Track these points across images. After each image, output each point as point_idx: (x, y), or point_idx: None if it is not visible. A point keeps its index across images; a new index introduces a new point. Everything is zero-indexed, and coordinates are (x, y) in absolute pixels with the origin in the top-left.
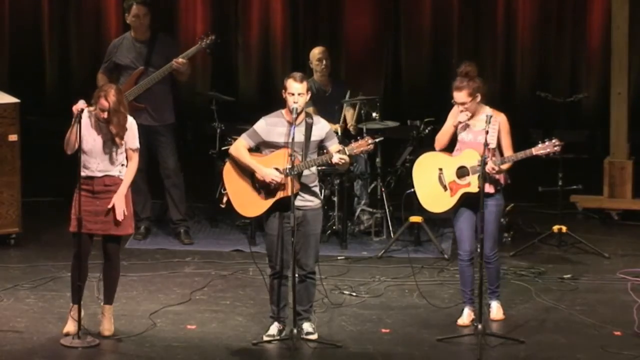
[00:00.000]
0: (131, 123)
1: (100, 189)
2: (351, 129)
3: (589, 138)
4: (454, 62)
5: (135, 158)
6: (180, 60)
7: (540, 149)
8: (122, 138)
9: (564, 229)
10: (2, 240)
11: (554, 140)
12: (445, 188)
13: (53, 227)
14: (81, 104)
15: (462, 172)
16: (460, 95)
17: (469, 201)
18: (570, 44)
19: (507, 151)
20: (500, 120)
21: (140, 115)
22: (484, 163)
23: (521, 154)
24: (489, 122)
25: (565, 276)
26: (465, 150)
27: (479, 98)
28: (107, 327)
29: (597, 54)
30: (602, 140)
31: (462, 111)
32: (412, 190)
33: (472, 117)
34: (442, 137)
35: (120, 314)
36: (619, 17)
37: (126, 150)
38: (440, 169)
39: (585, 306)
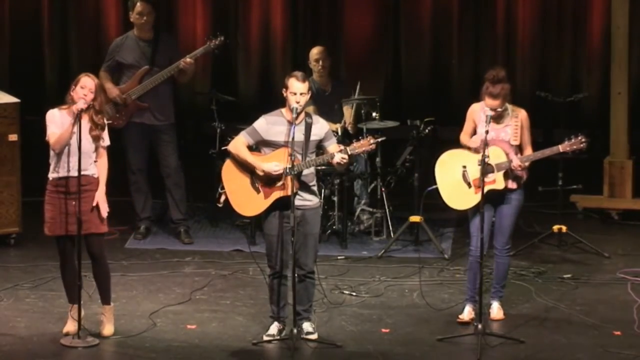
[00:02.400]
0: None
1: (76, 189)
2: (350, 128)
3: (589, 138)
4: (454, 62)
5: (105, 155)
6: (188, 60)
7: (567, 146)
8: (102, 117)
9: (564, 228)
10: (2, 240)
11: (580, 137)
12: (469, 185)
13: None
14: (81, 103)
15: (486, 169)
16: (496, 103)
17: (489, 197)
18: (570, 44)
19: (527, 147)
20: (521, 116)
21: (143, 114)
22: (484, 162)
23: (547, 151)
24: (488, 122)
25: (565, 276)
26: (491, 148)
27: (507, 100)
28: (107, 328)
29: (597, 54)
30: (602, 140)
31: (494, 113)
32: (434, 187)
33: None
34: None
35: (120, 314)
36: (619, 17)
37: (98, 148)
38: (464, 167)
39: (585, 306)
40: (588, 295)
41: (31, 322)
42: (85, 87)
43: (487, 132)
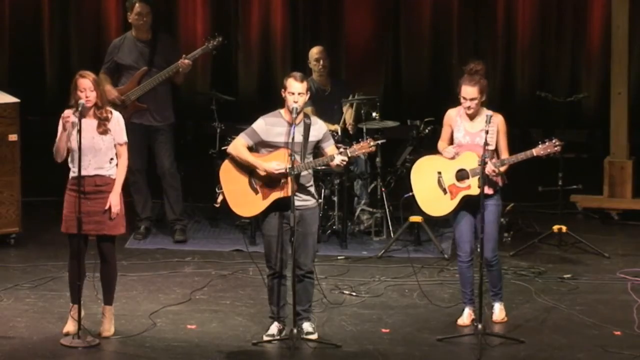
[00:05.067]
0: (118, 117)
1: (91, 189)
2: (349, 128)
3: (589, 138)
4: (454, 62)
5: (124, 154)
6: (186, 61)
7: (541, 150)
8: (105, 109)
9: (564, 229)
10: (2, 240)
11: (554, 141)
12: (445, 191)
13: (53, 227)
14: (73, 117)
15: (461, 175)
16: (472, 91)
17: (468, 203)
18: (570, 44)
19: (504, 152)
20: (497, 121)
21: (142, 115)
22: (483, 163)
23: (521, 155)
24: (489, 122)
25: (565, 276)
26: (464, 152)
27: (484, 98)
28: (107, 328)
29: (597, 54)
30: (602, 140)
31: (467, 107)
32: (410, 194)
33: (472, 119)
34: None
35: (120, 314)
36: (619, 17)
37: (115, 146)
38: (439, 173)
39: (585, 306)
40: (588, 295)
41: (31, 322)
42: (85, 89)
43: (487, 132)
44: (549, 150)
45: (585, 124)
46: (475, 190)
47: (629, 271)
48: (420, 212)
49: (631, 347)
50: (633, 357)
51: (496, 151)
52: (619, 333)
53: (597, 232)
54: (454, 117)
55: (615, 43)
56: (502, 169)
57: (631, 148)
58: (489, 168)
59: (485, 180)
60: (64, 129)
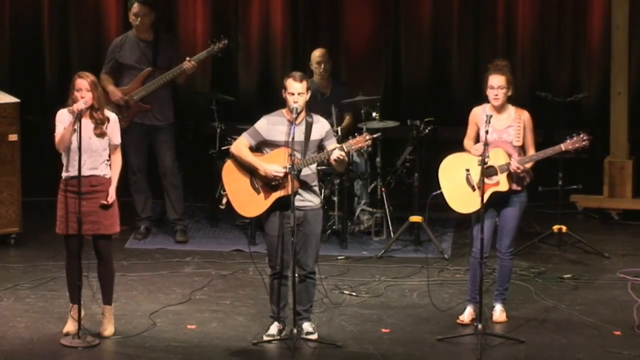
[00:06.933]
0: (114, 119)
1: (87, 190)
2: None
3: (591, 135)
4: (454, 62)
5: (119, 153)
6: (192, 63)
7: (570, 144)
8: (102, 112)
9: (564, 228)
10: (2, 240)
11: (582, 135)
12: (473, 188)
13: (53, 227)
14: (81, 104)
15: (490, 171)
16: (500, 79)
17: (493, 199)
18: (570, 44)
19: (530, 149)
20: (524, 117)
21: (145, 115)
22: (483, 162)
23: (550, 151)
24: (488, 122)
25: (565, 276)
26: (492, 149)
27: (510, 92)
28: (107, 328)
29: (597, 54)
30: (602, 140)
31: (495, 96)
32: (438, 192)
33: (499, 112)
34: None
35: (120, 314)
36: (619, 17)
37: (110, 147)
38: (468, 170)
39: (585, 306)
40: (588, 295)
41: (31, 322)
42: (81, 89)
43: (487, 132)
44: (577, 145)
45: (585, 124)
46: (504, 186)
47: (629, 271)
48: (418, 212)
49: (631, 347)
50: (633, 357)
51: (522, 147)
52: (619, 333)
53: (597, 232)
54: (480, 115)
55: (615, 43)
56: (528, 165)
57: (631, 148)
58: (514, 165)
59: (512, 178)
60: (74, 117)
